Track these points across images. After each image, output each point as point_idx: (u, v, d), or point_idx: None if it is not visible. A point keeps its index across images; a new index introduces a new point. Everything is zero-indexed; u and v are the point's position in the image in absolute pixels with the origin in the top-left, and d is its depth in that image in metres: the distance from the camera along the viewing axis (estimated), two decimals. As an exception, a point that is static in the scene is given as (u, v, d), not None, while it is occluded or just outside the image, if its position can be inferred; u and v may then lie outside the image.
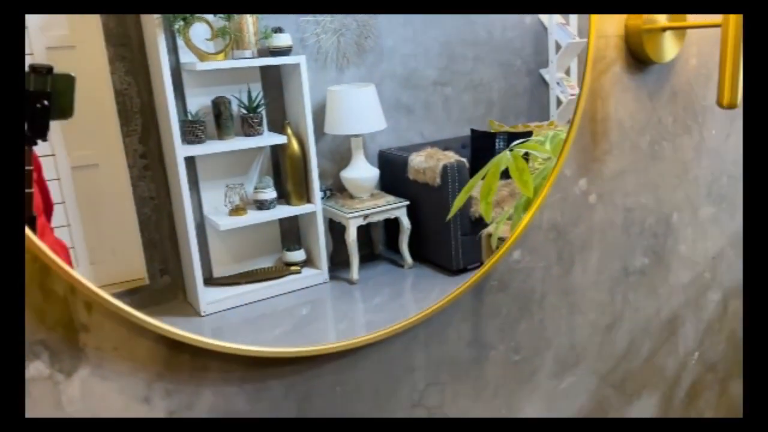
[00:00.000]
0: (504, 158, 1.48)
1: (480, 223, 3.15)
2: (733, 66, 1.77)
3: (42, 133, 1.09)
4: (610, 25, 2.75)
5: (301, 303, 3.02)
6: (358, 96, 3.05)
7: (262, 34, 2.78)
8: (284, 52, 2.86)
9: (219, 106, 2.84)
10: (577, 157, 2.77)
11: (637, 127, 2.85)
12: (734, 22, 1.64)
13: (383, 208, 3.17)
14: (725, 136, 3.18)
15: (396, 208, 3.21)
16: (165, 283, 3.00)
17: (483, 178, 1.53)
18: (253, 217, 2.94)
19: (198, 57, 2.67)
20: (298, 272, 3.18)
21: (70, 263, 1.79)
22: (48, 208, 1.52)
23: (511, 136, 3.67)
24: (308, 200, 3.09)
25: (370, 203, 3.16)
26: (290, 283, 3.16)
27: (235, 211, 2.93)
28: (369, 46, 3.29)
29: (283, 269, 3.17)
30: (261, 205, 3.00)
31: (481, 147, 3.66)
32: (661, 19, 2.59)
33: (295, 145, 2.99)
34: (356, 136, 3.13)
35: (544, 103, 4.15)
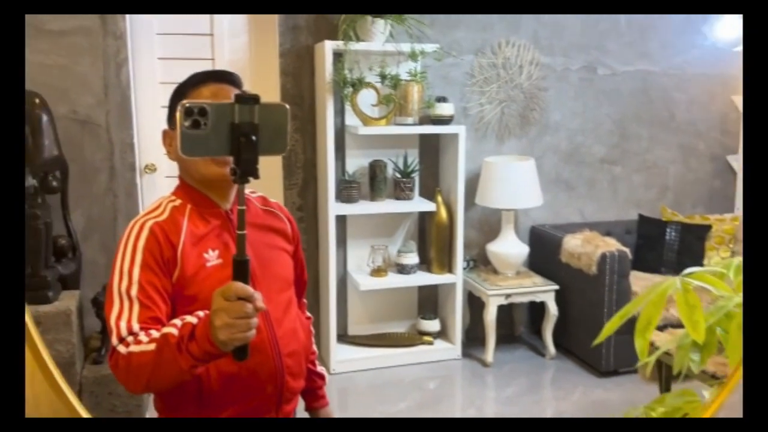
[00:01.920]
0: (671, 285, 1.23)
1: (638, 322, 2.80)
2: None
3: (251, 170, 0.93)
4: None
5: (430, 377, 2.90)
6: (515, 169, 2.92)
7: (425, 103, 2.80)
8: (445, 121, 2.85)
9: (375, 169, 2.89)
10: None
11: None
12: None
13: (529, 289, 2.96)
14: None
15: (543, 292, 2.99)
16: (301, 332, 3.07)
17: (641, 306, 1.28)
18: (394, 280, 2.91)
19: (362, 121, 2.75)
20: (431, 343, 3.07)
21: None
22: (300, 284, 1.42)
23: (685, 228, 3.26)
24: (450, 270, 2.99)
25: (514, 282, 2.98)
26: (421, 354, 3.05)
27: (377, 272, 2.92)
28: (534, 119, 3.17)
29: (416, 338, 3.08)
30: (402, 269, 2.97)
31: (648, 235, 3.30)
32: None
33: (443, 213, 2.93)
34: (508, 210, 2.99)
35: (728, 194, 3.65)
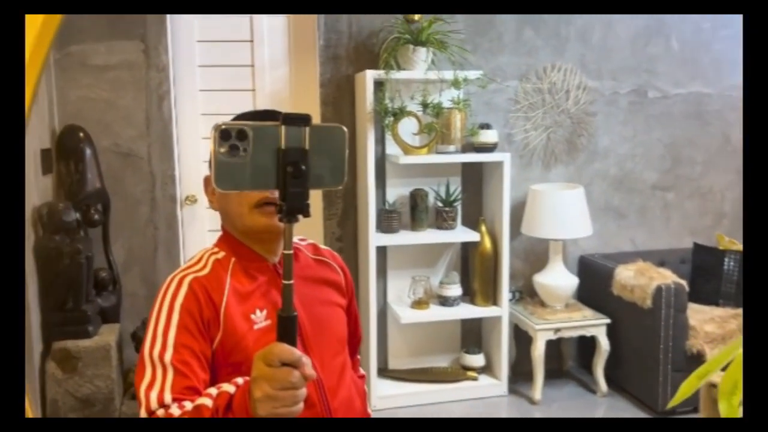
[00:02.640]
0: None
1: (698, 359, 2.64)
2: None
3: (300, 207, 0.76)
4: None
5: (475, 415, 2.77)
6: (563, 197, 2.81)
7: (468, 131, 2.72)
8: (489, 148, 2.76)
9: (416, 198, 2.82)
10: None
11: None
12: None
13: (579, 323, 2.82)
14: None
15: (594, 326, 2.84)
16: (341, 366, 2.99)
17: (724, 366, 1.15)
18: (436, 312, 2.81)
19: (403, 150, 2.69)
20: (475, 379, 2.94)
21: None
22: (355, 341, 1.31)
23: (744, 257, 3.06)
24: (495, 302, 2.87)
25: (563, 315, 2.84)
26: (465, 390, 2.93)
27: (418, 304, 2.83)
28: (582, 145, 3.05)
29: (460, 373, 2.96)
30: (445, 301, 2.86)
31: (704, 265, 3.12)
32: None
33: (487, 242, 2.83)
34: (556, 240, 2.87)
35: (793, 220, 3.41)
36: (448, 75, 2.62)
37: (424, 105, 2.65)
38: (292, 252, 0.81)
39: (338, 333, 1.16)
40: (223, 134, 0.77)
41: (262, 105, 2.81)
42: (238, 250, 1.16)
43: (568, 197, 2.80)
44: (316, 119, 2.99)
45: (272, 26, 2.81)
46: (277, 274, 1.15)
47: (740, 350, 1.22)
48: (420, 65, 2.63)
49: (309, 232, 2.64)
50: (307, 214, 0.79)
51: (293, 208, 0.79)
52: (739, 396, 1.18)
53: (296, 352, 0.84)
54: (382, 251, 2.89)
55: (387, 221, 2.79)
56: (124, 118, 2.56)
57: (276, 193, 0.82)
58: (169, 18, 2.64)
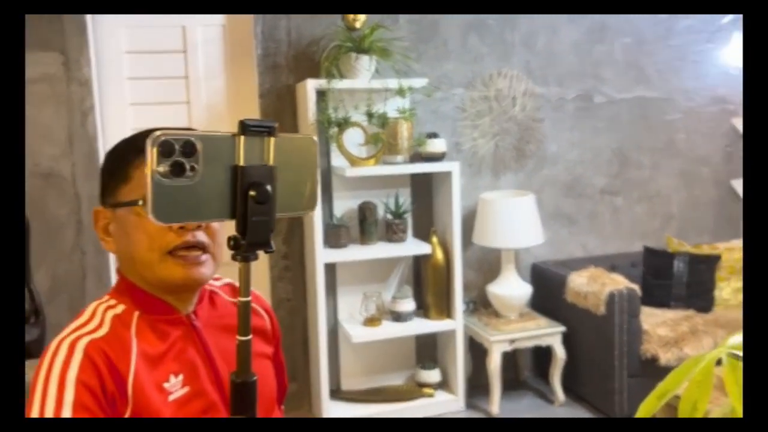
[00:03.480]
0: (714, 358, 1.03)
1: (652, 364, 2.62)
2: None
3: (263, 240, 0.61)
4: None
5: (432, 433, 2.67)
6: (513, 205, 2.76)
7: (415, 141, 2.64)
8: (437, 158, 2.69)
9: (365, 211, 2.72)
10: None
11: None
12: None
13: (534, 333, 2.77)
14: None
15: (549, 335, 2.80)
16: (291, 390, 2.84)
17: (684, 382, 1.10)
18: (389, 329, 2.71)
19: (349, 162, 2.59)
20: (431, 396, 2.85)
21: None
22: (281, 392, 1.11)
23: (694, 259, 3.10)
24: (449, 315, 2.80)
25: (518, 325, 2.79)
26: (422, 408, 2.83)
27: (371, 321, 2.72)
28: (530, 151, 3.01)
29: (415, 390, 2.86)
30: (398, 317, 2.77)
31: (655, 268, 3.13)
32: None
33: (439, 254, 2.75)
34: (508, 249, 2.82)
35: (734, 220, 3.48)
36: (393, 84, 2.54)
37: (369, 115, 2.56)
38: (249, 299, 0.64)
39: (267, 391, 0.97)
40: (164, 148, 0.59)
41: (198, 118, 2.67)
42: (142, 301, 0.94)
43: (518, 205, 2.75)
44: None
45: (206, 35, 2.66)
46: (192, 327, 0.95)
47: (697, 369, 1.15)
48: (363, 74, 2.54)
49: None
50: (270, 249, 0.63)
51: (256, 242, 0.62)
52: (699, 415, 1.11)
53: None
54: (330, 268, 2.78)
55: (335, 236, 2.68)
56: (44, 136, 2.37)
57: (199, 235, 0.66)
58: (91, 28, 2.46)
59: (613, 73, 3.08)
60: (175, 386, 0.90)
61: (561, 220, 3.13)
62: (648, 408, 1.19)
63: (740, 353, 1.11)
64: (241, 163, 0.62)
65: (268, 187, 0.63)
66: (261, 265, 2.77)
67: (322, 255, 2.58)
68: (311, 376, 2.81)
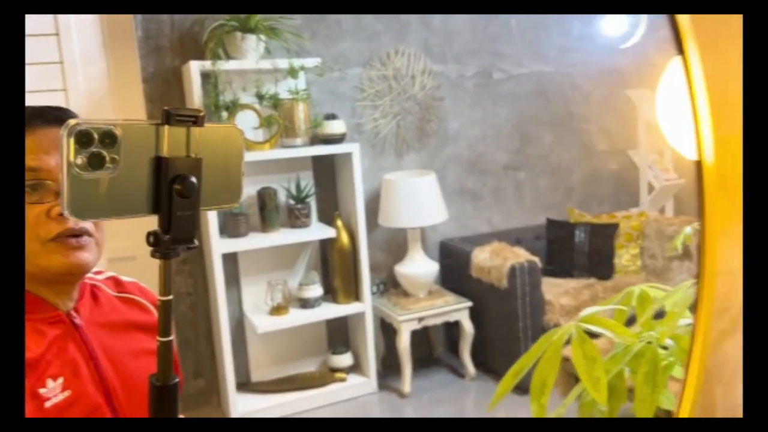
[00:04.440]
0: (566, 332, 1.05)
1: (554, 333, 2.69)
2: None
3: (188, 235, 0.58)
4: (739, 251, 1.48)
5: (344, 417, 2.66)
6: (416, 185, 2.75)
7: (312, 122, 2.57)
8: (337, 139, 2.64)
9: (264, 198, 2.63)
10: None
11: None
12: None
13: (442, 309, 2.79)
14: None
15: (456, 311, 2.83)
16: (199, 386, 2.75)
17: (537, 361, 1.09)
18: (296, 317, 2.66)
19: (244, 146, 2.49)
20: (343, 380, 2.83)
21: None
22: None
23: (594, 228, 3.22)
24: (357, 298, 2.78)
25: (426, 303, 2.80)
26: (335, 393, 2.80)
27: (277, 310, 2.66)
28: (432, 130, 3.01)
29: (328, 376, 2.83)
30: (305, 304, 2.72)
31: (558, 239, 3.23)
32: None
33: (345, 237, 2.72)
34: (413, 228, 2.81)
35: (632, 189, 3.65)
36: (283, 64, 2.46)
37: (260, 97, 2.46)
38: (171, 298, 0.60)
39: None
40: (81, 138, 0.54)
41: (78, 106, 2.48)
42: None
43: (420, 184, 2.75)
44: (142, 117, 2.70)
45: (80, 17, 2.48)
46: (72, 325, 0.88)
47: (550, 343, 1.16)
48: (251, 54, 2.44)
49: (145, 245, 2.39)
50: (193, 245, 0.59)
51: (179, 238, 0.58)
52: (547, 395, 1.12)
53: None
54: (232, 258, 2.68)
55: (234, 225, 2.58)
56: None
57: (82, 222, 0.64)
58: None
59: (510, 49, 3.12)
60: (54, 391, 0.83)
61: (466, 197, 3.16)
62: (505, 386, 1.19)
63: (590, 327, 1.13)
64: (165, 154, 0.58)
65: (194, 180, 0.59)
66: (156, 261, 2.63)
67: (219, 245, 2.48)
68: (219, 371, 2.72)
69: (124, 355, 0.92)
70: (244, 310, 2.75)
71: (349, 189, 2.71)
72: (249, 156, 2.49)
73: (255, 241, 2.58)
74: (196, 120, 0.58)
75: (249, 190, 2.70)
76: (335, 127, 2.66)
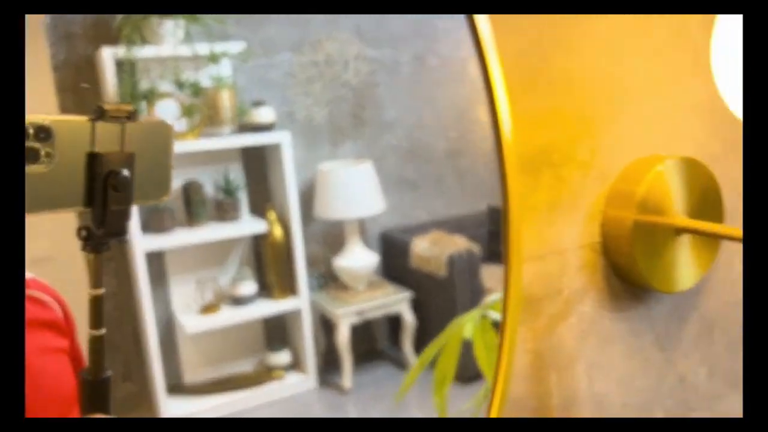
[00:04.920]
0: (470, 320, 1.03)
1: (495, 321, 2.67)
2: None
3: (121, 228, 0.61)
4: (567, 228, 1.46)
5: (283, 416, 2.58)
6: (352, 175, 2.67)
7: (239, 110, 2.46)
8: (266, 128, 2.54)
9: (189, 191, 2.52)
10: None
11: (639, 403, 1.62)
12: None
13: (381, 301, 2.73)
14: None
15: (397, 302, 2.77)
16: (127, 390, 2.62)
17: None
18: (229, 315, 2.57)
19: (173, 141, 2.37)
20: (281, 378, 2.76)
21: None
22: None
23: (536, 213, 3.20)
24: (294, 293, 2.70)
25: (366, 296, 2.74)
26: (272, 392, 2.74)
27: (208, 308, 2.56)
28: (367, 118, 2.94)
29: (264, 375, 2.75)
30: (238, 301, 2.63)
31: (499, 226, 3.20)
32: (673, 215, 1.38)
33: (278, 231, 2.63)
34: (350, 220, 2.74)
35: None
36: (204, 50, 2.34)
37: (179, 84, 2.34)
38: (103, 291, 0.63)
39: (64, 390, 0.89)
40: None
41: (-21, 98, 2.31)
42: None
43: (356, 174, 2.68)
44: (53, 110, 2.54)
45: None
46: None
47: (452, 333, 1.10)
48: (169, 39, 2.31)
49: (64, 242, 2.24)
50: (124, 239, 0.63)
51: (113, 232, 0.63)
52: (447, 387, 1.07)
53: None
54: (158, 255, 2.56)
55: (158, 220, 2.45)
56: None
57: None
58: None
59: (445, 31, 3.06)
60: None
61: (405, 187, 3.10)
62: (412, 376, 1.13)
63: (494, 314, 1.07)
64: (99, 149, 0.62)
65: (128, 175, 0.62)
66: (75, 261, 2.49)
67: (141, 242, 2.36)
68: (147, 374, 2.59)
69: (26, 353, 0.85)
70: (173, 310, 2.63)
71: (281, 180, 2.61)
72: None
73: (181, 237, 2.46)
74: (130, 115, 0.63)
75: (173, 183, 2.57)
76: (264, 115, 2.55)
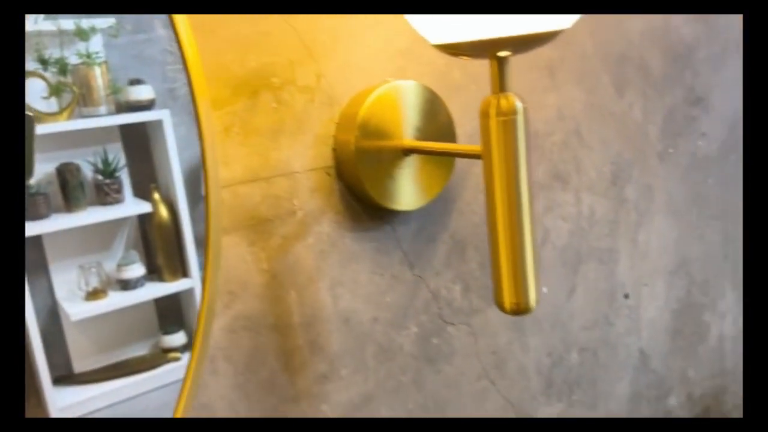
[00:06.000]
0: None
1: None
2: (512, 236, 1.02)
3: None
4: (294, 152, 1.49)
5: (174, 400, 2.56)
6: (239, 151, 2.64)
7: (113, 88, 2.38)
8: (145, 106, 2.47)
9: (64, 174, 2.42)
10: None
11: (390, 318, 1.64)
12: (501, 153, 1.02)
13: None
14: (566, 292, 2.03)
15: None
16: (10, 385, 2.51)
17: None
18: (116, 300, 2.50)
19: (35, 118, 2.25)
20: (177, 359, 2.74)
21: None
22: None
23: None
24: (185, 274, 2.66)
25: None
26: (167, 374, 2.70)
27: (94, 294, 2.48)
28: (254, 94, 2.92)
29: (160, 357, 2.72)
30: (126, 285, 2.56)
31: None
32: (394, 137, 1.45)
33: (163, 211, 2.58)
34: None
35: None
36: (68, 25, 2.23)
37: (43, 62, 2.22)
38: None
39: None
40: None
41: None
42: None
43: (244, 150, 2.66)
44: None
45: None
46: None
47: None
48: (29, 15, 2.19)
49: None
50: None
51: None
52: None
53: None
54: (36, 242, 2.45)
55: (32, 206, 2.34)
56: None
57: None
58: None
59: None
60: None
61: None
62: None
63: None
64: None
65: None
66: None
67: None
68: (30, 366, 2.50)
69: None
70: (57, 298, 2.53)
71: (165, 159, 2.56)
72: (42, 128, 2.25)
73: (59, 222, 2.36)
74: None
75: (46, 166, 2.45)
76: (142, 92, 2.47)
